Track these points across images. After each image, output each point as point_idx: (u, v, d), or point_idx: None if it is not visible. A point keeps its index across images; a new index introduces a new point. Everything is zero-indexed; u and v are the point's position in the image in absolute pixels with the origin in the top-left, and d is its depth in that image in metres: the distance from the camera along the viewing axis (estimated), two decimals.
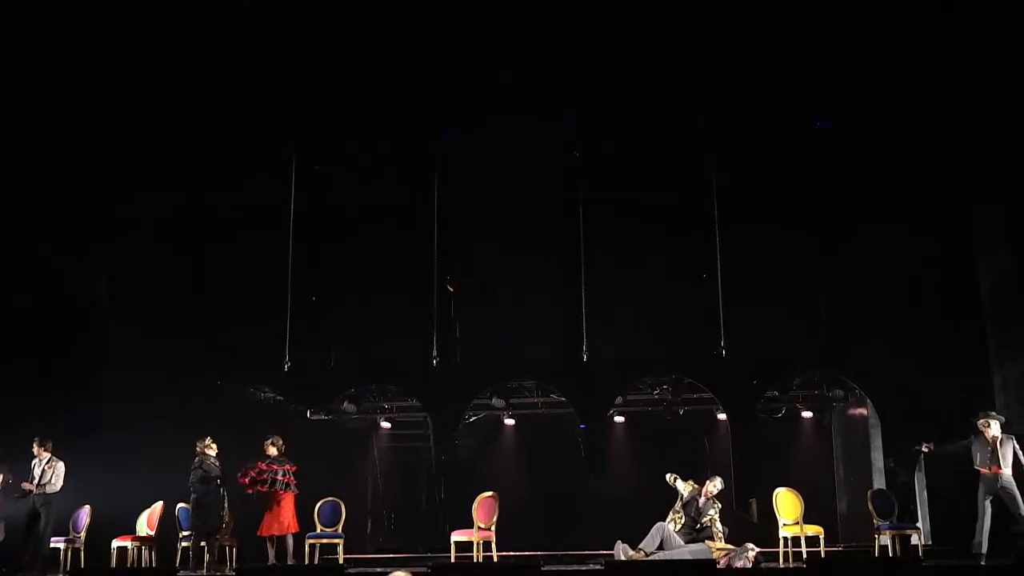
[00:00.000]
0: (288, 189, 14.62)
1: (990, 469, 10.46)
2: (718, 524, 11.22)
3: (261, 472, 11.66)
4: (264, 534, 11.77)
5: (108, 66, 13.97)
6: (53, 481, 11.73)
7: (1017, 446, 10.57)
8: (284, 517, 11.75)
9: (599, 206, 14.54)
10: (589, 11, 13.90)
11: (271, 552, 11.84)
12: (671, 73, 14.42)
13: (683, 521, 11.24)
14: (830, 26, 13.88)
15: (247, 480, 11.66)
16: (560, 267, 14.60)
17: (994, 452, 10.47)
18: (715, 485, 11.37)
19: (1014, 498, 10.33)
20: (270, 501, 11.77)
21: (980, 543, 10.39)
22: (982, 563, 10.22)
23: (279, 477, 11.74)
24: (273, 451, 11.93)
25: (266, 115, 14.73)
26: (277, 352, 14.08)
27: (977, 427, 10.69)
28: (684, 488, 11.45)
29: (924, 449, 11.28)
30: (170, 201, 14.93)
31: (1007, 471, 10.42)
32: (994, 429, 10.56)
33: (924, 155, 14.00)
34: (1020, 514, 10.31)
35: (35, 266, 13.69)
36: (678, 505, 11.39)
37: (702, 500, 11.31)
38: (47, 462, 11.80)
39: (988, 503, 10.44)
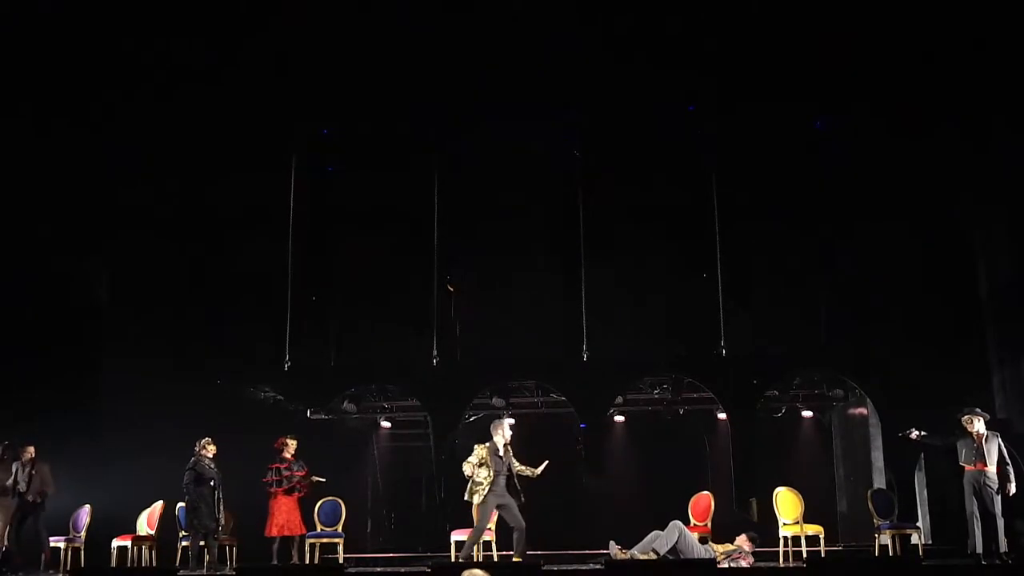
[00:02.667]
0: (288, 189, 14.60)
1: (975, 466, 10.51)
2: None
3: (292, 476, 12.01)
4: (274, 535, 11.85)
5: (109, 64, 13.98)
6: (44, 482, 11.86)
7: (1002, 443, 10.60)
8: (293, 518, 11.84)
9: (599, 206, 14.55)
10: (590, 8, 13.92)
11: (275, 552, 11.89)
12: (671, 72, 14.44)
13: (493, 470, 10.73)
14: (831, 24, 13.89)
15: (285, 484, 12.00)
16: (560, 267, 14.61)
17: (979, 449, 10.51)
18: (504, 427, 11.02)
19: (993, 497, 10.38)
20: (276, 502, 11.88)
21: (975, 544, 10.41)
22: (982, 563, 10.23)
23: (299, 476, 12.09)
24: (291, 451, 12.17)
25: (266, 114, 14.75)
26: (277, 352, 14.08)
27: (961, 424, 10.70)
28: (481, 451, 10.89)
29: (913, 436, 11.17)
30: (170, 200, 14.95)
31: (992, 468, 10.47)
32: (978, 426, 10.58)
33: (924, 154, 14.02)
34: (996, 513, 10.34)
35: (35, 266, 13.67)
36: (491, 456, 10.77)
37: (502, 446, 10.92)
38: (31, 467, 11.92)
39: (975, 501, 10.47)
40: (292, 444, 12.24)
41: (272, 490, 12.03)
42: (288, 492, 11.97)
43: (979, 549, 10.39)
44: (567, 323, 14.20)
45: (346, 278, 14.98)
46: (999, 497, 10.41)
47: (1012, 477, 10.48)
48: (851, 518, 14.00)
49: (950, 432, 10.90)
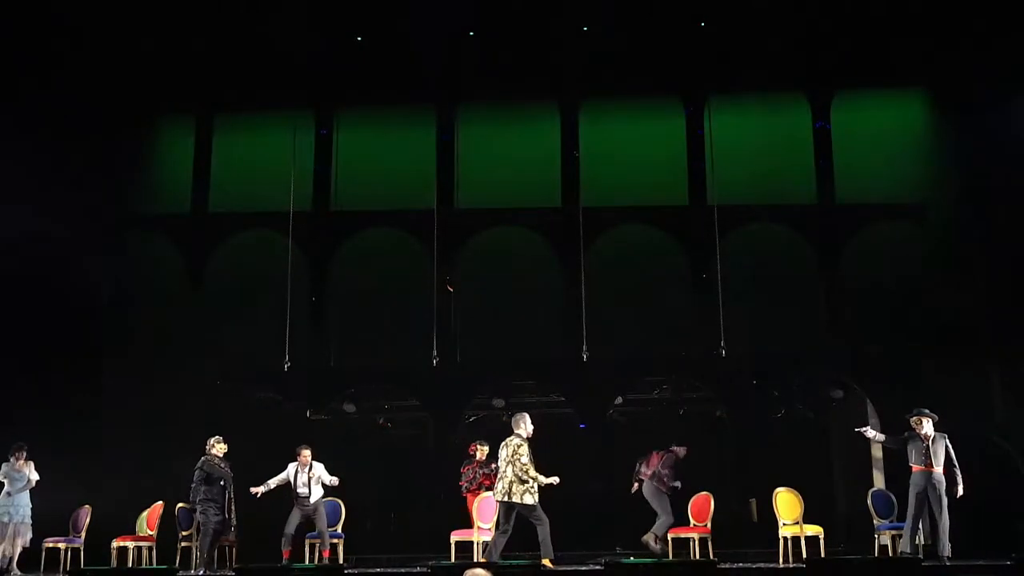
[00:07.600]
0: (288, 189, 14.60)
1: (924, 467, 10.50)
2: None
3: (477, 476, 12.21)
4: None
5: (110, 65, 13.99)
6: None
7: (950, 445, 10.60)
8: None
9: (599, 206, 14.55)
10: (591, 6, 13.94)
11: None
12: (671, 69, 14.46)
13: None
14: (831, 23, 13.91)
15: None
16: (560, 267, 14.61)
17: (927, 450, 10.52)
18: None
19: (940, 498, 10.38)
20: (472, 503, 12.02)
21: (908, 541, 10.40)
22: (944, 561, 10.13)
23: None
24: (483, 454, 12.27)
25: (265, 114, 14.76)
26: (277, 352, 14.07)
27: (911, 425, 10.69)
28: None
29: (869, 434, 11.07)
30: (170, 201, 14.95)
31: (938, 469, 10.47)
32: (926, 427, 10.57)
33: (923, 153, 14.03)
34: (940, 516, 10.33)
35: (36, 266, 13.67)
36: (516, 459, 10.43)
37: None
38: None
39: (916, 500, 10.46)
40: (484, 448, 12.25)
41: (465, 493, 12.21)
42: (476, 491, 12.05)
43: (908, 548, 10.37)
44: (567, 323, 14.20)
45: (346, 278, 14.97)
46: (946, 499, 10.42)
47: (959, 480, 10.50)
48: (851, 518, 13.99)
49: (903, 433, 10.87)
